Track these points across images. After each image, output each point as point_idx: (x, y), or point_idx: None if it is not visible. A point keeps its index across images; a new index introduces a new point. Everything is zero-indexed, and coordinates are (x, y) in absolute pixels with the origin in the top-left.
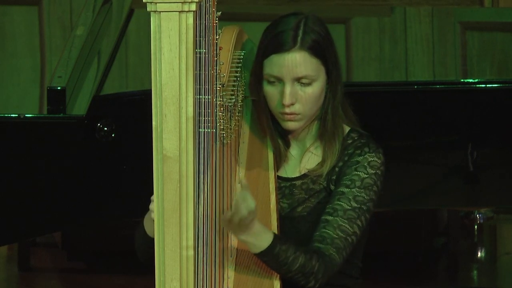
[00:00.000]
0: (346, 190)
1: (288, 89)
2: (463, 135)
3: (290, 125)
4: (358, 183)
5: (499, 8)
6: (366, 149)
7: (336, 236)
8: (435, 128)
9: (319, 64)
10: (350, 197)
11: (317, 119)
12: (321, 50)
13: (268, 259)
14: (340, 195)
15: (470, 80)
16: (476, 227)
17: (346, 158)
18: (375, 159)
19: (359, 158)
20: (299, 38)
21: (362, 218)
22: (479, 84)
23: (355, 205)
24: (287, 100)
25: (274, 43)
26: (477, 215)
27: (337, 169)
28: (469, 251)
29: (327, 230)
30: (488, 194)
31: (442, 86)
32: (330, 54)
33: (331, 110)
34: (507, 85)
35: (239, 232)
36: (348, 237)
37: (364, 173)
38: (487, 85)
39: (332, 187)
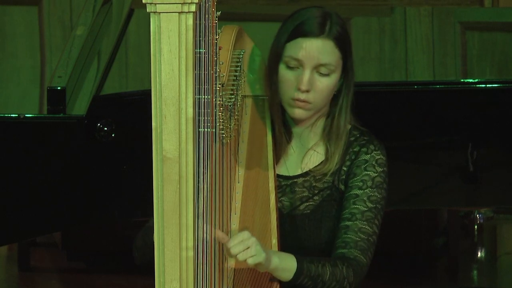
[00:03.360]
0: (359, 192)
1: (307, 75)
2: (463, 135)
3: (299, 112)
4: (369, 183)
5: (499, 8)
6: (372, 147)
7: (359, 239)
8: (435, 128)
9: (340, 57)
10: (364, 198)
11: (322, 117)
12: (344, 44)
13: (304, 277)
14: (354, 198)
15: (470, 80)
16: (476, 227)
17: (353, 157)
18: (381, 156)
19: (367, 157)
20: (327, 27)
21: (379, 217)
22: (479, 84)
23: (371, 205)
24: (304, 86)
25: (301, 28)
26: (477, 215)
27: (344, 168)
28: (469, 251)
29: (348, 235)
30: (488, 194)
31: (442, 86)
32: (350, 51)
33: (344, 108)
34: (507, 85)
35: (262, 260)
36: (369, 238)
37: (374, 172)
38: (487, 85)
39: (342, 186)
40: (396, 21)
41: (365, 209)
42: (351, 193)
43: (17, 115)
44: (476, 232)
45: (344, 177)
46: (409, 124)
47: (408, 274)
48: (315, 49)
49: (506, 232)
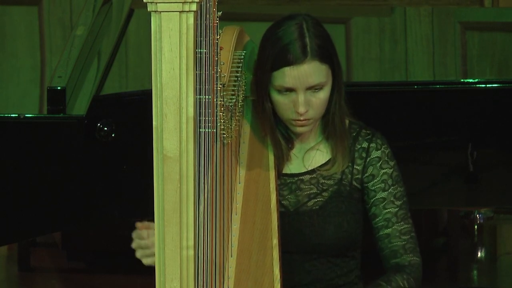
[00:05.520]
0: (384, 194)
1: (301, 98)
2: (463, 135)
3: (302, 129)
4: (390, 181)
5: (499, 8)
6: (379, 141)
7: (405, 242)
8: (435, 128)
9: (328, 69)
10: (392, 199)
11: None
12: (328, 54)
13: None
14: (383, 203)
15: (470, 80)
16: (476, 227)
17: (364, 155)
18: (389, 149)
19: (378, 153)
20: (308, 48)
21: (408, 207)
22: (479, 84)
23: (399, 202)
24: (302, 109)
25: (283, 56)
26: (477, 215)
27: (357, 167)
28: (469, 251)
29: (393, 243)
30: (488, 194)
31: (442, 86)
32: (334, 55)
33: (338, 110)
34: (507, 85)
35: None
36: (411, 233)
37: (389, 168)
38: (487, 85)
39: (358, 185)
40: (396, 21)
41: (396, 209)
42: (377, 197)
43: (17, 115)
44: (476, 232)
45: (359, 176)
46: (409, 124)
47: None
48: (303, 75)
49: (506, 232)
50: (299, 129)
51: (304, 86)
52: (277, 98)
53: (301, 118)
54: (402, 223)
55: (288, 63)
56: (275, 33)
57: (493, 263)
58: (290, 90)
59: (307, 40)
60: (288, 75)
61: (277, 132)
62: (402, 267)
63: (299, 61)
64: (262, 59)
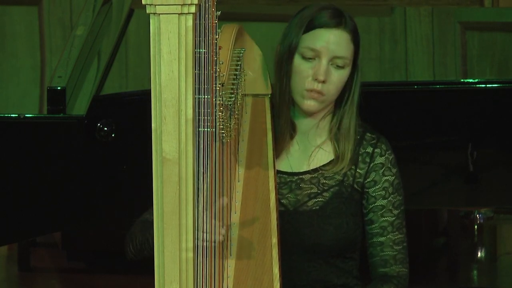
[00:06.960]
0: (384, 202)
1: (324, 65)
2: (463, 135)
3: (311, 104)
4: (391, 189)
5: (499, 8)
6: (384, 147)
7: (396, 252)
8: (435, 128)
9: (353, 51)
10: (390, 207)
11: (328, 114)
12: (357, 38)
13: None
14: (381, 210)
15: (470, 80)
16: (476, 227)
17: (367, 159)
18: (392, 155)
19: (382, 159)
20: (343, 20)
21: (404, 217)
22: (479, 84)
23: (397, 211)
24: (322, 75)
25: (319, 19)
26: (477, 215)
27: (359, 171)
28: (469, 251)
29: (385, 252)
30: (488, 194)
31: (442, 86)
32: (359, 48)
33: (349, 107)
34: (507, 85)
35: None
36: (403, 244)
37: (391, 175)
38: (487, 85)
39: (359, 188)
40: (396, 21)
41: (393, 218)
42: (376, 204)
43: (17, 115)
44: (476, 232)
45: (361, 180)
46: (409, 124)
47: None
48: (333, 40)
49: (506, 232)
50: (308, 103)
51: (330, 54)
52: (299, 63)
53: (317, 88)
54: (396, 232)
55: (321, 25)
56: (311, 5)
57: (493, 263)
58: (316, 54)
59: (345, 14)
60: (319, 37)
61: (289, 111)
62: (390, 278)
63: (332, 26)
64: (293, 24)
